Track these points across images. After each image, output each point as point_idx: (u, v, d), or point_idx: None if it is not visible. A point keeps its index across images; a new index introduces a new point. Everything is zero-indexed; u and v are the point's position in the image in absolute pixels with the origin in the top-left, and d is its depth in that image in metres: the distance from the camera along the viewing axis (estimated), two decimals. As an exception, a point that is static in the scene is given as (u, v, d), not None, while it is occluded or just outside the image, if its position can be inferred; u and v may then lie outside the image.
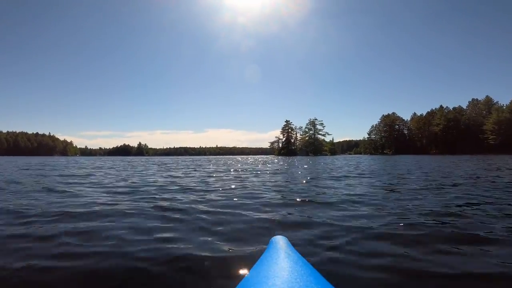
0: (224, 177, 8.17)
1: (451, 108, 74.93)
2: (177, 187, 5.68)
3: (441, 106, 77.03)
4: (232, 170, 11.75)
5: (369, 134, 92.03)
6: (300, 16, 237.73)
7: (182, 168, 13.32)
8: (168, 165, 17.62)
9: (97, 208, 3.48)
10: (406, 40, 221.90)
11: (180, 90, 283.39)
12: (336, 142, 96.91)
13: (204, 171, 11.21)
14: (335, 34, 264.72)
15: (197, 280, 1.60)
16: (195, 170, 11.59)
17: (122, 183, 6.56)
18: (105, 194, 4.72)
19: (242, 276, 0.66)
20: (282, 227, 2.63)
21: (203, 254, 1.91)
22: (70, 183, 6.60)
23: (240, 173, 9.97)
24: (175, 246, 2.09)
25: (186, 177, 8.37)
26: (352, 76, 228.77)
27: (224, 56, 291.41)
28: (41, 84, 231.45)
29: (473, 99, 72.91)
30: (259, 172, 10.16)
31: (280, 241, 1.00)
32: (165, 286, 1.57)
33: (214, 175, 8.87)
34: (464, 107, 73.48)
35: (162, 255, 1.90)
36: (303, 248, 2.03)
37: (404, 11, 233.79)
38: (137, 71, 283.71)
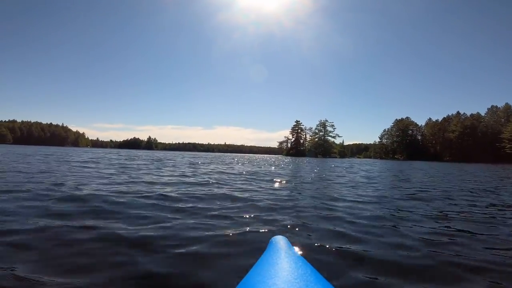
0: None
1: (468, 114, 72.42)
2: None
3: (458, 112, 74.60)
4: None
5: (380, 138, 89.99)
6: (311, 14, 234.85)
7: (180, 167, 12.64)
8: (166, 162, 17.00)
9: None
10: (424, 45, 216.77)
11: (192, 87, 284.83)
12: (346, 145, 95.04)
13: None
14: (348, 34, 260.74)
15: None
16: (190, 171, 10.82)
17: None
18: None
19: (242, 276, 0.71)
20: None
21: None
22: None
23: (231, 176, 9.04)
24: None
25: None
26: (365, 78, 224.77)
27: (237, 54, 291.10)
28: (59, 77, 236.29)
29: (492, 106, 70.26)
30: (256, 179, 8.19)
31: (280, 241, 1.00)
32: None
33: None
34: (483, 114, 70.84)
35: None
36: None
37: (422, 15, 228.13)
38: (151, 67, 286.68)
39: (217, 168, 11.41)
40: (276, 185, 6.34)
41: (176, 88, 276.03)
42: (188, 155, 36.06)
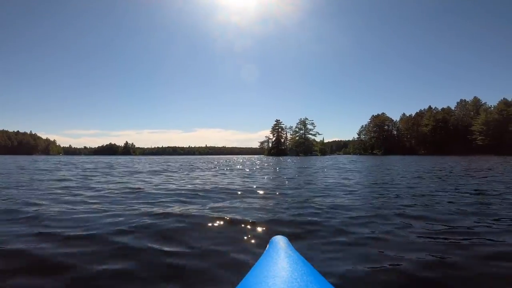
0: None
1: (439, 108, 75.43)
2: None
3: (429, 107, 77.50)
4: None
5: (358, 135, 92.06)
6: (293, 17, 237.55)
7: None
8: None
9: None
10: (397, 42, 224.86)
11: (170, 89, 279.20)
12: (326, 142, 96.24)
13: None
14: (328, 34, 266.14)
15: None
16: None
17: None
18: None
19: (242, 276, 0.72)
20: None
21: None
22: None
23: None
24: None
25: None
26: (343, 76, 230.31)
27: (216, 55, 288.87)
28: (27, 82, 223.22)
29: (461, 100, 73.53)
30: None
31: (280, 241, 1.00)
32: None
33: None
34: (453, 108, 74.00)
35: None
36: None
37: (396, 13, 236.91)
38: (126, 70, 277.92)
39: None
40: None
41: (154, 92, 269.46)
42: (159, 159, 34.19)
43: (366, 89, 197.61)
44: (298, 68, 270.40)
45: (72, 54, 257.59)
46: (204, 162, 22.48)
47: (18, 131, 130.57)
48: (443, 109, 74.33)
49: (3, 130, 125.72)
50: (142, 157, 58.83)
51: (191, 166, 15.08)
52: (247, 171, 10.86)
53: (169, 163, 19.50)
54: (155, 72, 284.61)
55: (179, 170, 11.77)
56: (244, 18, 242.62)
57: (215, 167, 14.05)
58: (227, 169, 12.27)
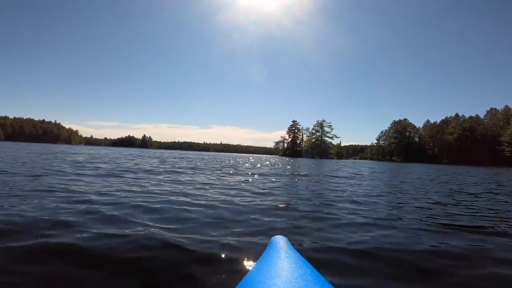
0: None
1: (467, 117, 71.57)
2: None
3: (456, 114, 73.74)
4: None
5: (377, 140, 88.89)
6: (312, 15, 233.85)
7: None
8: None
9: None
10: (422, 46, 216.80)
11: (188, 86, 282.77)
12: (342, 146, 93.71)
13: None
14: (346, 33, 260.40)
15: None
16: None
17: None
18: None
19: (242, 276, 0.72)
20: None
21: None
22: None
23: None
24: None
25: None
26: (362, 79, 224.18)
27: (234, 54, 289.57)
28: (54, 74, 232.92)
29: (491, 109, 69.49)
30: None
31: (280, 241, 1.00)
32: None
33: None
34: (482, 117, 70.02)
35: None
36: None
37: (421, 16, 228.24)
38: (148, 65, 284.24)
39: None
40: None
41: (173, 87, 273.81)
42: (174, 154, 34.22)
43: (387, 94, 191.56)
44: (317, 69, 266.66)
45: (98, 49, 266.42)
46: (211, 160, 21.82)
47: (43, 120, 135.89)
48: (471, 117, 70.47)
49: (29, 118, 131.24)
50: (166, 151, 59.13)
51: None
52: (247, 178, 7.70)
53: (195, 160, 18.96)
54: (175, 68, 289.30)
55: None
56: (262, 17, 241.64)
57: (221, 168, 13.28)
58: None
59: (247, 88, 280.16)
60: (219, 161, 19.02)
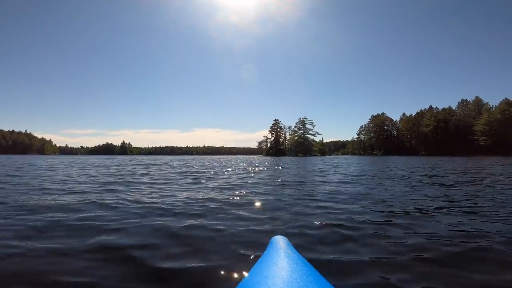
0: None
1: (440, 108, 74.41)
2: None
3: (430, 107, 76.49)
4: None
5: (358, 135, 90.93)
6: (292, 16, 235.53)
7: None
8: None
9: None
10: (396, 42, 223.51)
11: (168, 89, 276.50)
12: (324, 143, 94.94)
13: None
14: (327, 35, 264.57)
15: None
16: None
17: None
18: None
19: (242, 276, 0.73)
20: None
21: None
22: None
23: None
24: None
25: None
26: (341, 76, 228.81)
27: (215, 55, 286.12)
28: (24, 82, 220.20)
29: (462, 100, 72.44)
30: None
31: (280, 241, 1.00)
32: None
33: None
34: (454, 108, 72.99)
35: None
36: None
37: (395, 13, 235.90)
38: (124, 69, 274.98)
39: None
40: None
41: (152, 91, 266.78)
42: (147, 160, 33.15)
43: (365, 89, 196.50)
44: (296, 68, 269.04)
45: (70, 54, 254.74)
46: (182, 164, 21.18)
47: (13, 130, 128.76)
48: (444, 109, 73.29)
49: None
50: (144, 157, 57.36)
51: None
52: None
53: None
54: (153, 72, 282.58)
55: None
56: (243, 18, 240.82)
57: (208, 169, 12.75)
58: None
59: (229, 89, 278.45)
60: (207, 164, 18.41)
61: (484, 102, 67.41)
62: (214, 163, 19.80)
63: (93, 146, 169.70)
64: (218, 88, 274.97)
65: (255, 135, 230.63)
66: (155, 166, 15.20)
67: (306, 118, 79.52)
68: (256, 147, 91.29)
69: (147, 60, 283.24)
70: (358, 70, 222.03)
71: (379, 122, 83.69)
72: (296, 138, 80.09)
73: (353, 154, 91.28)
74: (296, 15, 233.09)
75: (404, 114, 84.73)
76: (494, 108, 63.52)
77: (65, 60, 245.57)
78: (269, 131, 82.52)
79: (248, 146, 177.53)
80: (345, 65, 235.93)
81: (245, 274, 0.72)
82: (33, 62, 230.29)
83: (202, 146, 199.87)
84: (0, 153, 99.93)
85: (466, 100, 71.87)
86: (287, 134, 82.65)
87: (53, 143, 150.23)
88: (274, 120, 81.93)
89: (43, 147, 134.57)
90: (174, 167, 13.74)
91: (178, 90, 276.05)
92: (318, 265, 1.07)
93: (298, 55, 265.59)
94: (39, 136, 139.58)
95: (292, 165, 16.28)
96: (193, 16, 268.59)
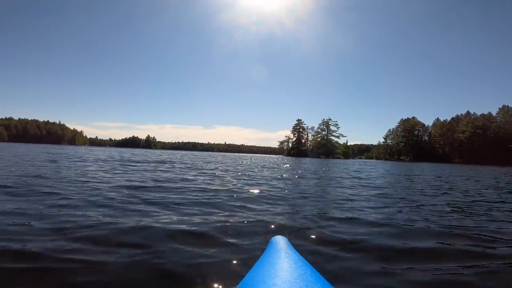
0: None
1: (478, 114, 69.01)
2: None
3: (467, 112, 71.19)
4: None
5: (385, 139, 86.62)
6: (313, 14, 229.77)
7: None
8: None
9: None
10: (428, 44, 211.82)
11: (191, 86, 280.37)
12: (348, 145, 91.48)
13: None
14: (349, 32, 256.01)
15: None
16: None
17: None
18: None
19: (242, 276, 0.74)
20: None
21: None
22: None
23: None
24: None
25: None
26: (367, 77, 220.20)
27: (236, 54, 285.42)
28: (58, 75, 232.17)
29: (504, 106, 66.75)
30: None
31: (280, 241, 1.00)
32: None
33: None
34: (494, 114, 67.38)
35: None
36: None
37: (426, 12, 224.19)
38: (151, 66, 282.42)
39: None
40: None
41: (176, 87, 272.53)
42: (173, 154, 32.94)
43: (392, 92, 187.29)
44: (321, 68, 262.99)
45: (103, 49, 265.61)
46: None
47: (48, 120, 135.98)
48: (483, 115, 67.86)
49: (33, 119, 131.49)
50: (167, 151, 58.02)
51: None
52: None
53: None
54: (177, 69, 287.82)
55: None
56: (263, 17, 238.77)
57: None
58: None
59: (250, 88, 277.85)
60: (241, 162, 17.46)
61: (529, 109, 61.67)
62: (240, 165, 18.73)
63: (120, 138, 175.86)
64: (239, 86, 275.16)
65: (276, 134, 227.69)
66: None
67: (330, 119, 76.93)
68: (277, 146, 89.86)
69: (171, 57, 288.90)
70: (386, 73, 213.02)
71: (408, 127, 79.15)
72: (319, 139, 77.69)
73: (377, 158, 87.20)
74: (317, 14, 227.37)
75: (437, 119, 79.71)
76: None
77: (99, 55, 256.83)
78: (291, 131, 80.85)
79: (268, 145, 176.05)
80: (372, 66, 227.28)
81: (245, 274, 0.73)
82: (68, 56, 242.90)
83: (223, 143, 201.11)
84: (34, 142, 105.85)
85: (508, 106, 66.16)
86: (309, 135, 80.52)
87: (84, 135, 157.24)
88: (297, 120, 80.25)
89: (74, 138, 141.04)
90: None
91: (201, 87, 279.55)
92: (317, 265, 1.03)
93: (321, 54, 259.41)
94: (71, 128, 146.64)
95: (311, 172, 14.78)
96: (217, 15, 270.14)
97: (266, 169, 12.24)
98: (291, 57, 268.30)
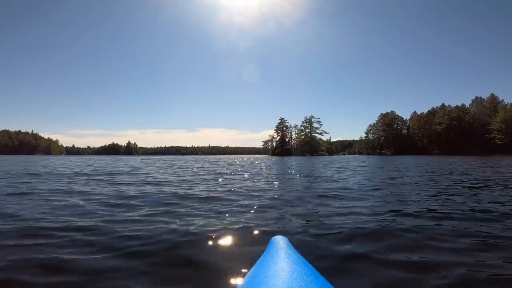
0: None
1: (453, 106, 71.57)
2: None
3: (443, 105, 73.69)
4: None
5: (366, 134, 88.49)
6: (296, 16, 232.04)
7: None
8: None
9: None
10: (404, 39, 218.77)
11: (173, 89, 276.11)
12: (331, 142, 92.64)
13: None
14: (332, 33, 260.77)
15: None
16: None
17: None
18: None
19: (242, 276, 0.74)
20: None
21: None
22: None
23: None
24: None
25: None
26: (348, 75, 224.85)
27: (219, 55, 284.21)
28: (32, 82, 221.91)
29: (476, 97, 69.57)
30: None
31: (280, 241, 1.00)
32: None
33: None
34: (468, 106, 70.08)
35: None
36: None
37: (401, 10, 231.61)
38: (129, 69, 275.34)
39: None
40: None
41: (157, 91, 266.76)
42: (142, 160, 31.75)
43: (372, 88, 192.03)
44: (301, 67, 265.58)
45: (75, 54, 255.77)
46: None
47: (19, 130, 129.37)
48: (457, 106, 70.44)
49: (4, 130, 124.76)
50: (148, 157, 56.16)
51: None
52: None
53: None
54: (158, 72, 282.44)
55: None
56: (246, 17, 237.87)
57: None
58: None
59: (234, 89, 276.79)
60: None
61: (500, 100, 64.53)
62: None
63: (99, 146, 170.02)
64: (222, 87, 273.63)
65: (260, 134, 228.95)
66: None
67: (313, 117, 77.49)
68: (261, 146, 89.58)
69: (152, 60, 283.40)
70: (365, 69, 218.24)
71: (388, 121, 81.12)
72: (302, 137, 78.08)
73: (360, 153, 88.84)
74: (299, 14, 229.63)
75: (415, 113, 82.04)
76: (510, 106, 60.68)
77: (71, 60, 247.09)
78: (275, 130, 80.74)
79: (253, 146, 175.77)
80: (350, 63, 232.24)
81: (245, 274, 0.75)
82: (39, 62, 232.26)
83: (208, 146, 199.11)
84: (7, 154, 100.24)
85: (481, 97, 68.99)
86: (293, 133, 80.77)
87: (60, 143, 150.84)
88: (279, 119, 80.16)
89: (49, 148, 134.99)
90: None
91: (183, 89, 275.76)
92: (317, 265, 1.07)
93: (303, 54, 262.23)
94: (46, 137, 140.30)
95: (295, 171, 14.41)
96: (196, 16, 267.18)
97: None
98: (273, 58, 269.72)
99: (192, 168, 12.88)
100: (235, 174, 9.29)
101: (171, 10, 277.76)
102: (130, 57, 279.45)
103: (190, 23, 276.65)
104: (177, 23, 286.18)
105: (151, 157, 60.66)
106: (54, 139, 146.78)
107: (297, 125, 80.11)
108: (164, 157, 60.23)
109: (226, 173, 9.72)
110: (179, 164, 18.42)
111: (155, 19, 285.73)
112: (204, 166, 15.14)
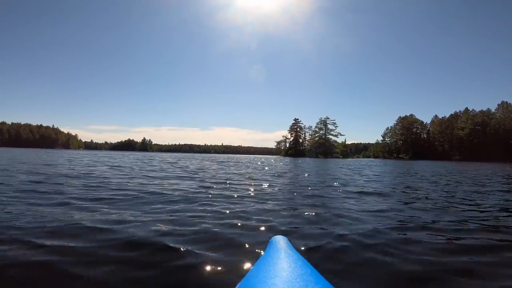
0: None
1: (477, 111, 68.26)
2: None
3: (466, 109, 70.40)
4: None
5: (383, 137, 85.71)
6: (309, 14, 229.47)
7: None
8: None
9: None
10: (424, 44, 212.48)
11: (187, 87, 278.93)
12: (346, 144, 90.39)
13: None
14: (346, 33, 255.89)
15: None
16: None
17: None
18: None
19: (242, 276, 0.75)
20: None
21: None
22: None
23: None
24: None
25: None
26: (363, 77, 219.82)
27: (232, 55, 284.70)
28: (52, 78, 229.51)
29: (502, 102, 66.00)
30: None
31: (280, 241, 1.00)
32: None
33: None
34: (493, 110, 66.63)
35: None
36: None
37: (422, 10, 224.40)
38: (147, 67, 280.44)
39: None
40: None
41: (172, 89, 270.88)
42: (160, 157, 31.55)
43: (390, 90, 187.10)
44: (315, 68, 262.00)
45: (95, 54, 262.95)
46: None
47: (41, 124, 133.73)
48: (482, 111, 67.10)
49: (26, 123, 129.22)
50: (162, 154, 56.48)
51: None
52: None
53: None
54: (173, 71, 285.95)
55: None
56: (259, 17, 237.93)
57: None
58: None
59: (247, 88, 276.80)
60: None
61: (528, 104, 60.97)
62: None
63: (115, 142, 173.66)
64: (236, 87, 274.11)
65: (273, 134, 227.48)
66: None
67: (328, 118, 75.79)
68: (274, 147, 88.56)
69: (167, 60, 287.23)
70: (383, 72, 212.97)
71: (407, 124, 78.29)
72: (316, 138, 76.55)
73: (375, 157, 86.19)
74: (314, 14, 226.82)
75: (436, 116, 78.86)
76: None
77: (91, 59, 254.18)
78: (289, 130, 79.60)
79: (265, 146, 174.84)
80: (369, 66, 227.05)
81: (245, 274, 0.76)
82: (62, 58, 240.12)
83: (221, 144, 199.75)
84: (28, 147, 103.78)
85: (507, 102, 65.42)
86: (307, 134, 79.37)
87: (79, 138, 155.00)
88: (294, 120, 78.96)
89: (69, 142, 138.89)
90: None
91: (197, 88, 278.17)
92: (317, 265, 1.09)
93: (316, 54, 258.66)
94: (65, 131, 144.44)
95: (338, 183, 13.49)
96: (211, 16, 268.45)
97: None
98: (287, 58, 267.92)
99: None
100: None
101: (184, 11, 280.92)
102: (146, 57, 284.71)
103: (203, 24, 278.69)
104: (191, 24, 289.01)
105: (195, 155, 60.61)
106: (73, 133, 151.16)
107: (311, 126, 78.72)
108: (196, 155, 60.20)
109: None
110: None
111: (173, 18, 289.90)
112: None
